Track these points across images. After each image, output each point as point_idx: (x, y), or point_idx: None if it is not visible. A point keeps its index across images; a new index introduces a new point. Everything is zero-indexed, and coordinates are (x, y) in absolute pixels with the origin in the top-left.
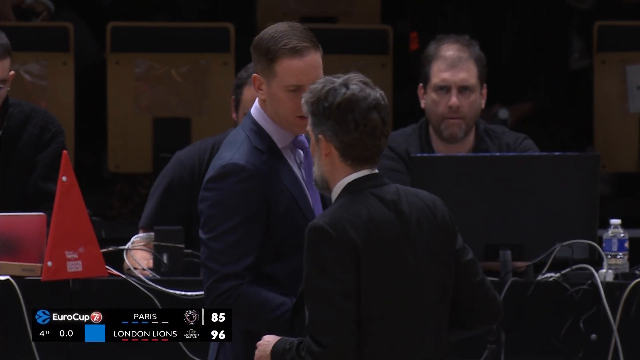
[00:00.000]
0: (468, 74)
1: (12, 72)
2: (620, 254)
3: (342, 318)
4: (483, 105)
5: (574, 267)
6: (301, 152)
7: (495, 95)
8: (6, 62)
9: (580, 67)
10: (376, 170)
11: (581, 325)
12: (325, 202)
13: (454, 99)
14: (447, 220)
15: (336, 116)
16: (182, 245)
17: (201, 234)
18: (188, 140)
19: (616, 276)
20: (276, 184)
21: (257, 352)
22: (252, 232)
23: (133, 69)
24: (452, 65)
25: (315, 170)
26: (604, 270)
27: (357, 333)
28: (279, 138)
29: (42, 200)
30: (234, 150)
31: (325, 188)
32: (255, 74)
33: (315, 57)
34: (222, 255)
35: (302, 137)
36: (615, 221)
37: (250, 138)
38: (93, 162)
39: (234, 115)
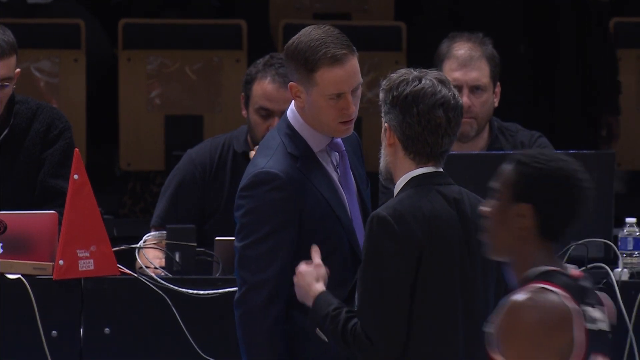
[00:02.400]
0: (480, 73)
1: (17, 70)
2: (636, 252)
3: (394, 314)
4: (496, 104)
5: (589, 265)
6: (337, 154)
7: None
8: (11, 60)
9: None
10: (441, 169)
11: None
12: (365, 203)
13: (465, 99)
14: None
15: (402, 107)
16: (195, 244)
17: (235, 242)
18: (200, 137)
19: (632, 275)
20: (310, 190)
21: (296, 280)
22: (284, 240)
23: (145, 66)
24: (464, 64)
25: (381, 160)
26: (619, 269)
27: (406, 330)
28: (315, 142)
29: (51, 198)
30: (268, 156)
31: (389, 180)
32: (292, 83)
33: (354, 63)
34: (253, 263)
35: (339, 140)
36: (631, 220)
37: (284, 143)
38: (105, 160)
39: (244, 112)
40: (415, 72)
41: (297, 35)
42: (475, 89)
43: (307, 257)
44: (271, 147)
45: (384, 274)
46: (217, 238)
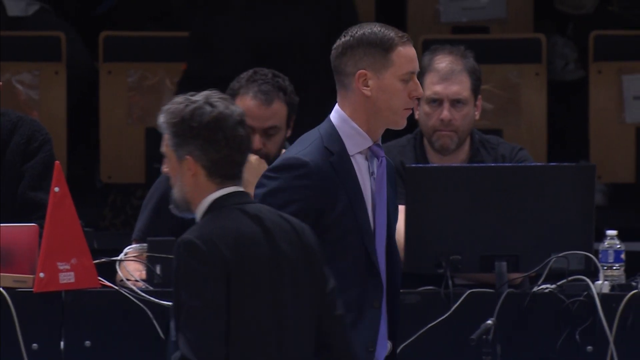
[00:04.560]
0: (460, 86)
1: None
2: (617, 265)
3: (212, 336)
4: (477, 117)
5: (569, 278)
6: (376, 160)
7: None
8: None
9: (575, 77)
10: (241, 188)
11: (577, 337)
12: (390, 217)
13: (445, 113)
14: (315, 246)
15: (206, 135)
16: None
17: None
18: None
19: (612, 287)
20: (337, 186)
21: None
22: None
23: (126, 79)
24: (445, 78)
25: (176, 192)
26: (600, 282)
27: (225, 351)
28: (353, 144)
29: (31, 210)
30: (303, 146)
31: (187, 210)
32: (361, 70)
33: None
34: None
35: (379, 147)
36: (612, 232)
37: (323, 138)
38: (85, 173)
39: None
40: (197, 98)
41: (352, 31)
42: (456, 102)
43: (325, 252)
44: (308, 139)
45: (197, 298)
46: None
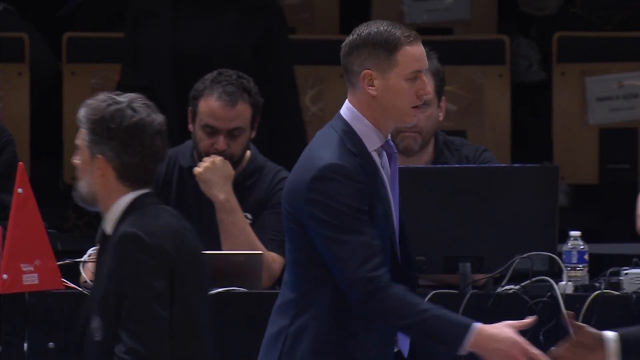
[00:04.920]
0: None
1: None
2: (580, 266)
3: (161, 325)
4: (441, 118)
5: (533, 279)
6: (386, 155)
7: None
8: None
9: (538, 79)
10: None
11: (541, 337)
12: (402, 215)
13: None
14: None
15: (122, 139)
16: None
17: (325, 233)
18: None
19: (576, 288)
20: (372, 185)
21: None
22: (366, 223)
23: (89, 80)
24: None
25: (84, 186)
26: (563, 283)
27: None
28: (370, 141)
29: None
30: (330, 150)
31: (91, 204)
32: (367, 70)
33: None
34: (360, 250)
35: (391, 142)
36: (575, 233)
37: (344, 140)
38: (49, 174)
39: (190, 126)
40: (122, 99)
41: (359, 29)
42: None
43: None
44: (331, 142)
45: (146, 290)
46: None
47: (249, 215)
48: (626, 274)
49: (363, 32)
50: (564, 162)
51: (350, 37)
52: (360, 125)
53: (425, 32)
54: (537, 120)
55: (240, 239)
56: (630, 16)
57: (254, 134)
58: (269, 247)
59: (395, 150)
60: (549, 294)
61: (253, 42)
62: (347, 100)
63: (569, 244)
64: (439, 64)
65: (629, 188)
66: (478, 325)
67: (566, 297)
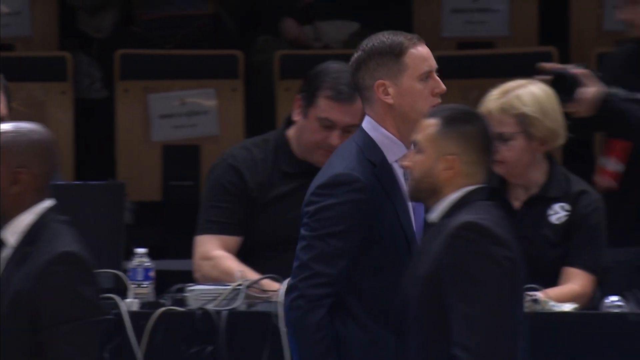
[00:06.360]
0: None
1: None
2: (146, 283)
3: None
4: None
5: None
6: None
7: None
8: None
9: (101, 96)
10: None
11: (107, 355)
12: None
13: None
14: None
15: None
16: None
17: (304, 231)
18: None
19: (142, 305)
20: (383, 198)
21: None
22: (353, 241)
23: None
24: None
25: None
26: (129, 300)
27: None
28: (391, 152)
29: None
30: (346, 160)
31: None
32: (379, 81)
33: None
34: (323, 255)
35: None
36: (141, 250)
37: (363, 150)
38: None
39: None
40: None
41: (363, 45)
42: None
43: (372, 265)
44: (348, 153)
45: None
46: None
47: None
48: (191, 290)
49: (367, 46)
50: (129, 179)
51: (356, 55)
52: (380, 136)
53: None
54: (102, 137)
55: None
56: (192, 35)
57: None
58: None
59: None
60: (115, 311)
61: None
62: (366, 116)
63: (135, 261)
64: (4, 80)
65: (192, 205)
66: None
67: (132, 314)
